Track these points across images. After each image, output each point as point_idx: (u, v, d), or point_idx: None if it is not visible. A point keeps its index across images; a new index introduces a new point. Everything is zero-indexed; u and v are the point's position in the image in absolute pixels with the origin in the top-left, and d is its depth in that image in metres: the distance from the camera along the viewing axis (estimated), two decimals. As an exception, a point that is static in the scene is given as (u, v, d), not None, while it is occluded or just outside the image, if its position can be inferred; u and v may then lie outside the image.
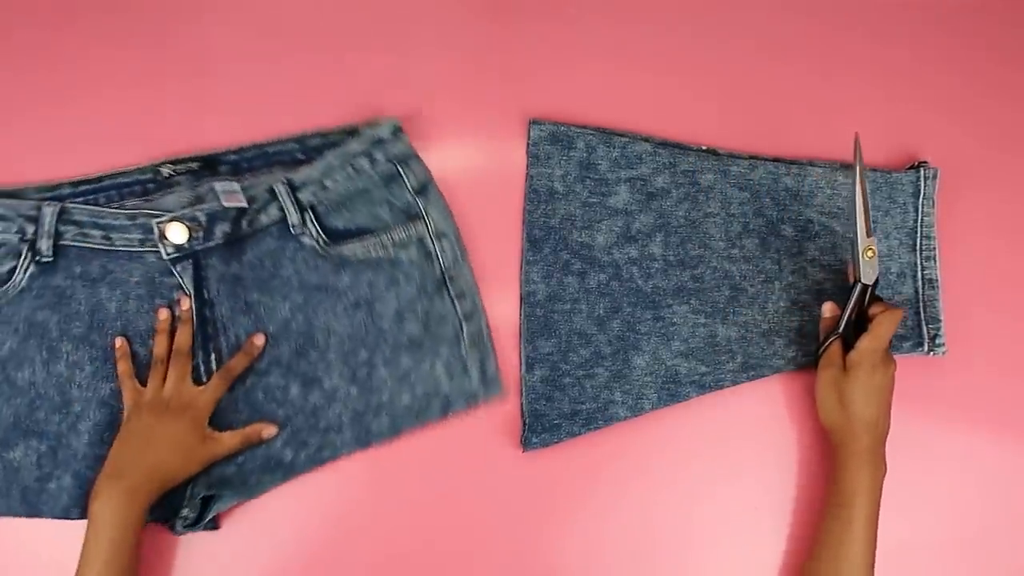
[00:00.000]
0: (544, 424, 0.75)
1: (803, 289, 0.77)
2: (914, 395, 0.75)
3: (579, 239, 0.78)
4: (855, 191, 0.70)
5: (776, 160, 0.79)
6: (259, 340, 0.76)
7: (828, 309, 0.74)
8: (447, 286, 0.77)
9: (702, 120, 0.81)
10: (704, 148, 0.79)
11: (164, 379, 0.74)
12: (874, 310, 0.71)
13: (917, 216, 0.78)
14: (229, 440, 0.73)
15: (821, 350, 0.73)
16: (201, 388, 0.74)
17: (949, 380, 0.78)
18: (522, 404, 0.76)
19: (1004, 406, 0.78)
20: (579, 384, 0.76)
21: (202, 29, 0.83)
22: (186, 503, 0.72)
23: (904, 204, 0.78)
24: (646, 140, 0.79)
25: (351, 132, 0.78)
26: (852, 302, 0.71)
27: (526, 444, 0.75)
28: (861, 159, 0.69)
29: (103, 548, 0.66)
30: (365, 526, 0.75)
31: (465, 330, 0.77)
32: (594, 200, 0.79)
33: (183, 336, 0.75)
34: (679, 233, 0.78)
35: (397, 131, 0.77)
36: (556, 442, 0.75)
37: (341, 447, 0.75)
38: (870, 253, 0.70)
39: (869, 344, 0.69)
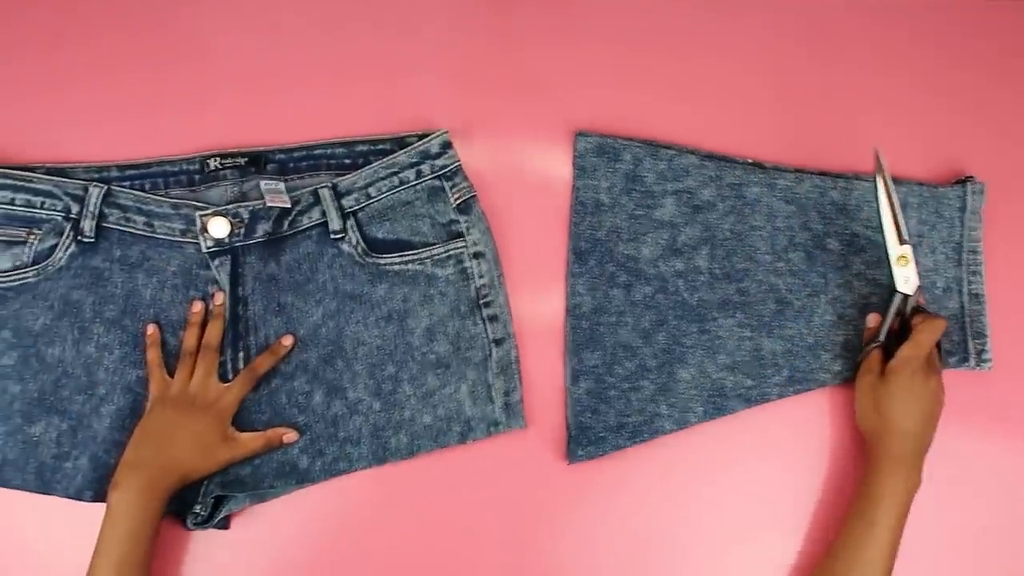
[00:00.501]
0: (589, 437, 0.74)
1: (849, 303, 0.77)
2: (956, 408, 0.74)
3: (625, 251, 0.78)
4: (879, 200, 0.71)
5: (822, 174, 0.79)
6: (287, 341, 0.75)
7: (872, 319, 0.75)
8: (480, 308, 0.76)
9: (748, 133, 0.81)
10: (750, 161, 0.79)
11: (191, 373, 0.73)
12: (916, 319, 0.71)
13: (963, 230, 0.78)
14: (251, 442, 0.72)
15: (860, 357, 0.73)
16: (227, 386, 0.73)
17: (993, 392, 0.77)
18: (567, 416, 0.75)
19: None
20: (625, 397, 0.76)
21: (202, 25, 0.84)
22: (199, 500, 0.71)
23: (951, 219, 0.78)
24: (692, 152, 0.79)
25: (400, 141, 0.78)
26: (891, 311, 0.72)
27: (571, 457, 0.74)
28: (881, 167, 0.71)
29: (120, 539, 0.65)
30: (400, 533, 0.74)
31: (494, 355, 0.75)
32: (640, 212, 0.79)
33: (214, 331, 0.74)
34: (725, 246, 0.78)
35: (446, 145, 0.77)
36: (601, 455, 0.74)
37: (357, 460, 0.73)
38: (903, 260, 0.71)
39: (908, 352, 0.69)
